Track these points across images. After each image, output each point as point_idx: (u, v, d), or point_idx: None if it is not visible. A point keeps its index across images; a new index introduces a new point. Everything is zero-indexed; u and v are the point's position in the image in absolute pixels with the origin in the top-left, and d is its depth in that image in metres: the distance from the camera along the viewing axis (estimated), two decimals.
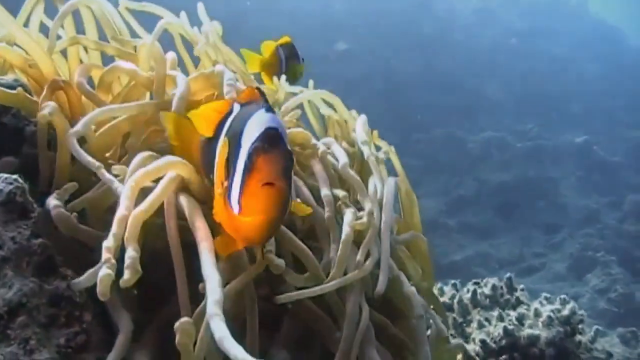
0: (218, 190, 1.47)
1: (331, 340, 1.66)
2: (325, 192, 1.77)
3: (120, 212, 1.44)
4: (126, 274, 1.36)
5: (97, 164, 1.60)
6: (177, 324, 1.33)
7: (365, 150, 1.94)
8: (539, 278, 10.04)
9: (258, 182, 1.35)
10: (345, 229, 1.65)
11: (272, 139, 1.40)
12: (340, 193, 1.79)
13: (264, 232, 1.44)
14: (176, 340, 1.34)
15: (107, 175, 1.59)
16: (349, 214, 1.71)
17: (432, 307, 2.01)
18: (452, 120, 13.43)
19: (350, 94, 2.10)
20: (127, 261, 1.37)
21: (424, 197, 11.93)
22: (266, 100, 1.54)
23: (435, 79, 14.54)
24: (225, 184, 1.44)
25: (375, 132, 2.17)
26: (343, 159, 1.84)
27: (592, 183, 12.19)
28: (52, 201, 1.64)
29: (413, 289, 1.81)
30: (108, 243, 1.40)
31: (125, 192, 1.48)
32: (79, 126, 1.68)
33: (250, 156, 1.38)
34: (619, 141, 13.54)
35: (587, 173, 12.35)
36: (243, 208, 1.39)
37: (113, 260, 1.38)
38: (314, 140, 1.94)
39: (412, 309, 1.77)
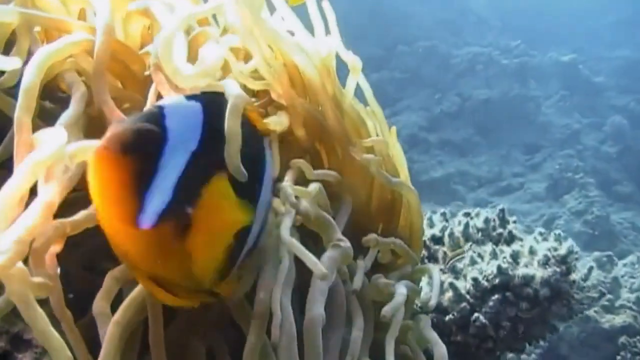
0: None
1: None
2: None
3: None
4: None
5: None
6: None
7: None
8: (517, 198, 10.05)
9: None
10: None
11: (143, 115, 1.03)
12: None
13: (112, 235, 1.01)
14: None
15: None
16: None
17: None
18: (437, 33, 13.05)
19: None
20: None
21: (405, 111, 11.72)
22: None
23: None
24: None
25: (394, 129, 1.84)
26: None
27: (574, 103, 12.04)
28: None
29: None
30: None
31: None
32: None
33: None
34: (605, 61, 13.32)
35: (571, 92, 12.18)
36: None
37: None
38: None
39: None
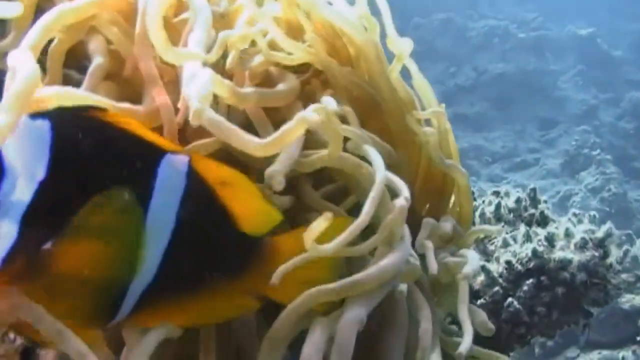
0: None
1: None
2: None
3: None
4: None
5: None
6: None
7: None
8: (532, 174, 9.91)
9: None
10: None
11: None
12: None
13: None
14: None
15: None
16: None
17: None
18: (453, 5, 12.81)
19: None
20: None
21: None
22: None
23: None
24: None
25: (443, 106, 1.71)
26: None
27: (592, 78, 11.83)
28: None
29: None
30: None
31: None
32: None
33: None
34: (624, 34, 13.07)
35: (588, 67, 11.96)
36: None
37: None
38: None
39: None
